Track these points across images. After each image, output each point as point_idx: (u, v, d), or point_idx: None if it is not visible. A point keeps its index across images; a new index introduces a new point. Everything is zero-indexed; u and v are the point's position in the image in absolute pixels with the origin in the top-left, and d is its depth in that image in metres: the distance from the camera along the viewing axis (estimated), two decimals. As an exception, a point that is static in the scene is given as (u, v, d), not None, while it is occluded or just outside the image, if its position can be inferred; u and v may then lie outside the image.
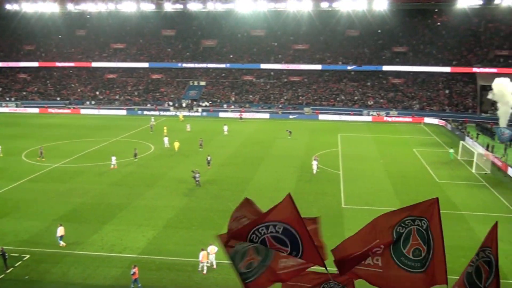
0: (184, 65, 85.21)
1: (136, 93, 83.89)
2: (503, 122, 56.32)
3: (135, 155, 45.49)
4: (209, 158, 43.27)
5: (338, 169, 43.16)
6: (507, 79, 55.08)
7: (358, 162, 46.23)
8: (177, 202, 33.76)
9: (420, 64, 79.38)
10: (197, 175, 37.33)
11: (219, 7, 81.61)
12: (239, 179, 39.54)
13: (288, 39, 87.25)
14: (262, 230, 5.92)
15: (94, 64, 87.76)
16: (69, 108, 79.09)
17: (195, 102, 79.70)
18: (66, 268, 23.82)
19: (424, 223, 5.60)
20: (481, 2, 74.20)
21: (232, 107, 77.72)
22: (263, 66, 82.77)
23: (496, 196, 36.72)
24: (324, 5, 76.87)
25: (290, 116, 73.57)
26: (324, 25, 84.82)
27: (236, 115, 72.88)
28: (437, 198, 5.64)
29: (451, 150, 49.35)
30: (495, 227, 5.72)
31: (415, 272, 5.69)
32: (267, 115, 74.14)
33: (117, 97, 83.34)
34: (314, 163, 41.92)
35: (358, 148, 52.74)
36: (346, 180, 39.81)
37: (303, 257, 5.77)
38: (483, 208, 33.90)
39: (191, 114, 75.49)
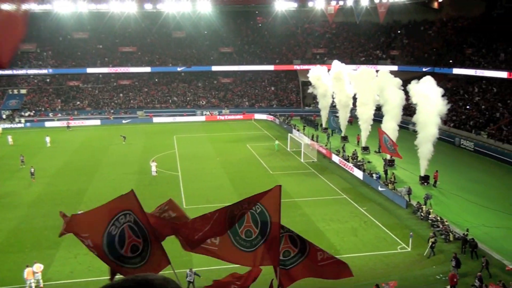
0: (0, 72, 77.47)
1: None
2: (323, 106, 61.34)
3: None
4: (32, 170, 40.32)
5: (176, 171, 43.20)
6: (323, 68, 60.42)
7: (196, 162, 46.81)
8: (4, 225, 30.66)
9: (246, 64, 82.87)
10: None
11: (36, 8, 75.91)
12: (73, 192, 37.28)
13: (114, 41, 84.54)
14: (117, 222, 6.13)
15: None
16: None
17: (16, 113, 73.04)
18: None
19: (258, 208, 6.31)
20: (296, 5, 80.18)
21: (59, 115, 72.91)
22: (90, 70, 78.93)
23: (324, 181, 40.09)
24: (148, 7, 76.03)
25: (123, 121, 71.48)
26: (150, 27, 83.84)
27: (64, 123, 68.49)
28: (279, 186, 6.42)
29: (276, 142, 52.79)
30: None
31: (245, 251, 6.38)
32: (98, 122, 71.06)
33: None
34: (153, 164, 41.59)
35: (195, 148, 53.32)
36: (185, 180, 40.04)
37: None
38: (313, 193, 36.76)
39: (13, 126, 69.05)
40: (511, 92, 55.94)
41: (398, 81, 44.12)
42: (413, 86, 39.83)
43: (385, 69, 53.14)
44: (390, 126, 43.38)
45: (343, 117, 55.69)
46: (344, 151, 48.71)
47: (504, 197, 35.33)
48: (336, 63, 57.87)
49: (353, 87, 52.23)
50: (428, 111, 38.36)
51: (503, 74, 55.45)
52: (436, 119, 38.14)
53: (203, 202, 33.82)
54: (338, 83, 54.50)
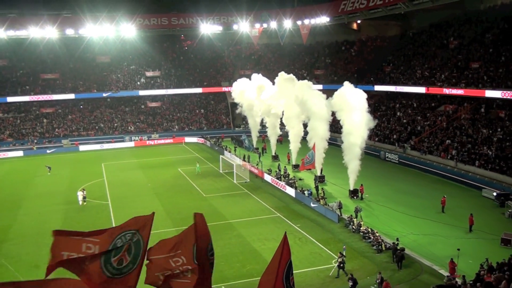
0: None
1: None
2: (252, 124, 62.00)
3: None
4: None
5: (106, 200, 41.83)
6: (246, 80, 61.37)
7: (126, 189, 45.61)
8: None
9: (174, 87, 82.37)
10: None
11: None
12: (-4, 228, 35.09)
13: (35, 68, 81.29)
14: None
15: None
16: None
17: None
18: None
19: (135, 236, 6.23)
20: (221, 28, 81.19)
21: (-23, 148, 68.93)
22: (10, 99, 75.13)
23: (258, 201, 40.25)
24: (70, 32, 74.02)
25: (48, 151, 68.55)
26: (72, 52, 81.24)
27: (-18, 156, 64.78)
28: (153, 213, 6.30)
29: (197, 165, 52.39)
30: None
31: (114, 277, 6.30)
32: (20, 153, 67.62)
33: None
34: (80, 193, 40.38)
35: (124, 175, 51.98)
36: (116, 209, 38.86)
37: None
38: (247, 214, 36.75)
39: None
40: (429, 106, 59.08)
41: (321, 94, 45.81)
42: (332, 100, 41.66)
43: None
44: (319, 127, 44.24)
45: (272, 128, 56.34)
46: (279, 170, 49.05)
47: (430, 206, 37.01)
48: (256, 76, 59.00)
49: (277, 104, 53.30)
50: (353, 118, 39.87)
51: (421, 90, 58.52)
52: (361, 123, 39.59)
53: (136, 230, 32.88)
54: (261, 95, 55.44)
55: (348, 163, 40.81)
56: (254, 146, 62.89)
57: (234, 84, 64.07)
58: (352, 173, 40.41)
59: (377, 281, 23.16)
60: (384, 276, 24.14)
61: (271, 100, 53.84)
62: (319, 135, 44.47)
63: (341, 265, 25.33)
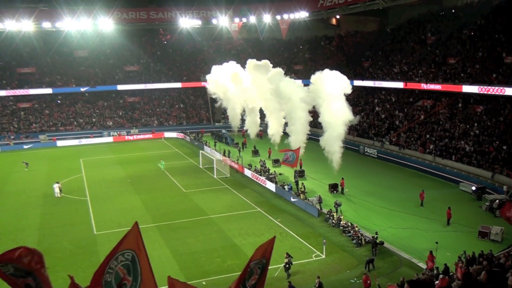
0: None
1: None
2: (232, 116, 61.64)
3: None
4: None
5: (84, 196, 41.35)
6: (221, 67, 61.23)
7: (105, 185, 45.14)
8: None
9: (153, 82, 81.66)
10: None
11: None
12: (-29, 225, 34.44)
13: (11, 62, 79.74)
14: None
15: None
16: None
17: None
18: None
19: (129, 255, 5.51)
20: (200, 23, 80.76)
21: (-49, 143, 67.41)
22: (-15, 94, 73.86)
23: (238, 196, 40.25)
24: (47, 25, 72.75)
25: (25, 146, 67.37)
26: (49, 46, 79.90)
27: (-44, 152, 63.40)
28: (136, 222, 5.60)
29: (162, 162, 51.25)
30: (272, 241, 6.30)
31: None
32: (-4, 148, 66.53)
33: None
34: (56, 186, 40.18)
35: (103, 170, 51.38)
36: (95, 205, 38.44)
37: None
38: (228, 209, 36.73)
39: None
40: (407, 101, 59.65)
41: (295, 81, 46.16)
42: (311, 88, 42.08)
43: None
44: (300, 114, 44.23)
45: (251, 122, 56.24)
46: (262, 167, 48.64)
47: (408, 199, 37.43)
48: (231, 64, 58.73)
49: (252, 98, 53.25)
50: (332, 108, 40.30)
51: (400, 85, 59.03)
52: (343, 106, 40.10)
53: (115, 227, 32.62)
54: (236, 82, 55.33)
55: (328, 146, 41.00)
56: (234, 141, 62.76)
57: (208, 76, 63.52)
58: (335, 155, 40.55)
59: (316, 286, 22.21)
60: (364, 270, 24.39)
61: (245, 94, 53.74)
62: (298, 119, 44.25)
63: (287, 265, 24.91)
